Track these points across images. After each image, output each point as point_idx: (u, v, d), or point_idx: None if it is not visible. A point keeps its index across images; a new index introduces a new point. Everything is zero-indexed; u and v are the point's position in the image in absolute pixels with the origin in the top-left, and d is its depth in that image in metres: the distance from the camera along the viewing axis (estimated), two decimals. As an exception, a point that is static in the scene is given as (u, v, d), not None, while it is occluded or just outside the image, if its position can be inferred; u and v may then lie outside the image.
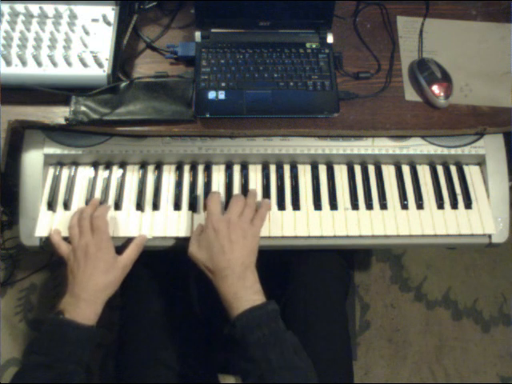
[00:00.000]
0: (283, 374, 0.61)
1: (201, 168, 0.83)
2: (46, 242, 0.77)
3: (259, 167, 0.83)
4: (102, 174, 0.82)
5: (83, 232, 0.72)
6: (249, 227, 0.72)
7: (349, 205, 0.81)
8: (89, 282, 0.68)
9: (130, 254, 0.74)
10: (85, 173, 0.82)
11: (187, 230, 0.77)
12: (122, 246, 0.76)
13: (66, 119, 0.76)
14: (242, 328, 0.63)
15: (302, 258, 0.87)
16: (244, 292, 0.67)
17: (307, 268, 0.86)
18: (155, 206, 0.79)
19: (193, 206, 0.79)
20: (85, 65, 0.77)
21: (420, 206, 0.81)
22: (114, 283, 0.71)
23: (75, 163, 0.82)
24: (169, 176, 0.82)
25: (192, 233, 0.76)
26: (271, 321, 0.65)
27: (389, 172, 0.84)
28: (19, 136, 0.79)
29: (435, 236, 0.79)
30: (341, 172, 0.84)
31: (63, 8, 0.80)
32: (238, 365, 0.64)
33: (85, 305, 0.67)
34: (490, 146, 0.82)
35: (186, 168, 0.83)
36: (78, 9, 0.81)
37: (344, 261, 0.90)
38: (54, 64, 0.76)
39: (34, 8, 0.80)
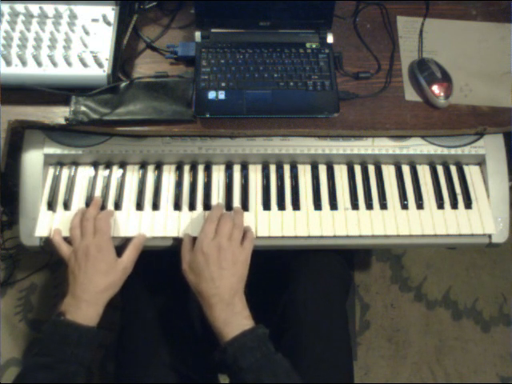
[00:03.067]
0: None
1: (201, 168, 0.83)
2: (46, 242, 0.77)
3: (259, 167, 0.83)
4: (102, 173, 0.81)
5: (85, 233, 0.72)
6: (239, 252, 0.71)
7: (349, 205, 0.81)
8: (90, 283, 0.69)
9: (130, 254, 0.74)
10: (85, 173, 0.82)
11: (187, 230, 0.77)
12: (122, 246, 0.76)
13: (66, 119, 0.76)
14: (233, 353, 0.63)
15: (302, 258, 0.87)
16: (233, 318, 0.66)
17: (307, 268, 0.86)
18: (155, 206, 0.79)
19: (193, 206, 0.80)
20: (85, 65, 0.77)
21: (420, 205, 0.81)
22: (115, 284, 0.71)
23: (75, 163, 0.82)
24: (169, 176, 0.82)
25: (184, 242, 0.74)
26: (262, 344, 0.65)
27: (389, 172, 0.84)
28: (19, 136, 0.79)
29: (435, 236, 0.79)
30: (341, 172, 0.84)
31: (63, 8, 0.80)
32: None
33: (86, 306, 0.67)
34: (490, 146, 0.82)
35: (186, 168, 0.83)
36: (78, 9, 0.81)
37: (344, 261, 0.90)
38: (54, 64, 0.76)
39: (34, 8, 0.80)
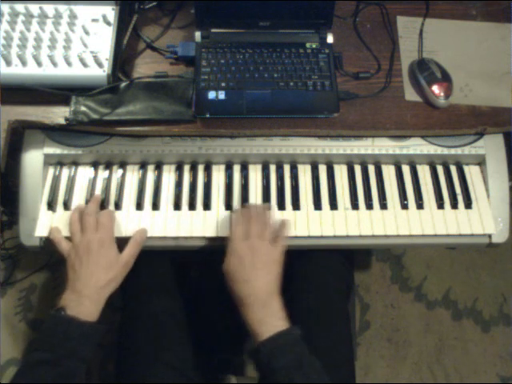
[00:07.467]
0: None
1: (201, 168, 0.83)
2: (46, 241, 0.77)
3: (259, 167, 0.83)
4: (102, 173, 0.81)
5: (87, 228, 0.72)
6: (272, 251, 0.71)
7: (349, 205, 0.81)
8: (91, 278, 0.68)
9: (131, 250, 0.74)
10: (85, 173, 0.82)
11: (187, 230, 0.77)
12: (122, 245, 0.76)
13: (66, 119, 0.76)
14: (267, 354, 0.63)
15: (303, 258, 0.87)
16: (268, 319, 0.66)
17: (309, 268, 0.86)
18: (155, 206, 0.79)
19: (193, 206, 0.80)
20: (85, 65, 0.77)
21: (420, 205, 0.81)
22: (116, 280, 0.71)
23: (75, 163, 0.82)
24: (169, 176, 0.82)
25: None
26: (296, 346, 0.65)
27: (389, 172, 0.84)
28: (19, 136, 0.79)
29: (435, 236, 0.79)
30: (341, 172, 0.84)
31: (63, 8, 0.80)
32: None
33: (87, 301, 0.67)
34: (490, 146, 0.82)
35: (186, 168, 0.83)
36: (78, 9, 0.81)
37: (345, 260, 0.90)
38: (54, 64, 0.76)
39: (34, 8, 0.80)
